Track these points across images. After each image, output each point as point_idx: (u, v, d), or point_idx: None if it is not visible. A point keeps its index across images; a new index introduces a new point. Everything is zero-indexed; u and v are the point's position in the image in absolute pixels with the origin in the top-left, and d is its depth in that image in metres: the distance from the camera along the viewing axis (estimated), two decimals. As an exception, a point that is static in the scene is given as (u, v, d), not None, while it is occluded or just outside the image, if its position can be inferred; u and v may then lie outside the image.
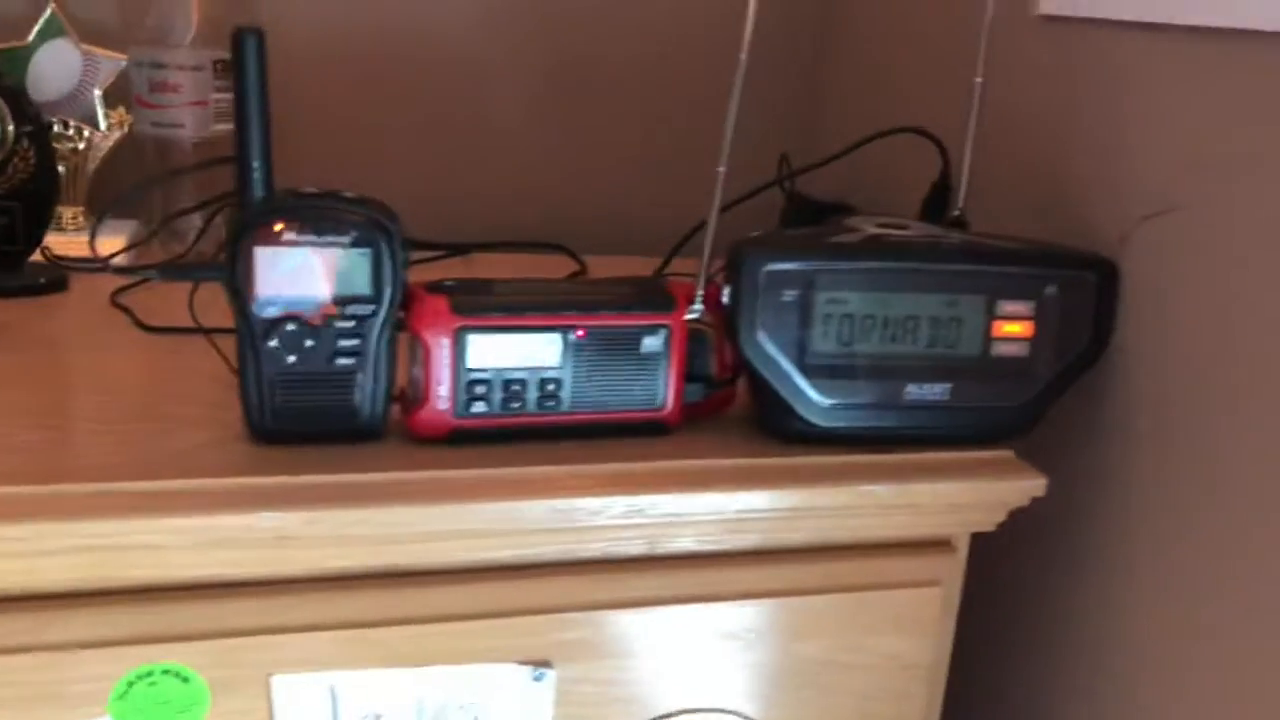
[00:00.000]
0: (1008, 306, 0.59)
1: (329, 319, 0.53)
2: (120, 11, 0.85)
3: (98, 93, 0.86)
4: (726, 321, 0.58)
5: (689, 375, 0.60)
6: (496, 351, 0.55)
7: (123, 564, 0.50)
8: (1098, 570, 0.67)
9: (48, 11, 0.85)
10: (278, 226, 0.51)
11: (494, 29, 1.03)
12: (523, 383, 0.56)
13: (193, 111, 0.85)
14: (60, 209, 0.90)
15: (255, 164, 0.51)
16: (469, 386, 0.55)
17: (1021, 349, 0.60)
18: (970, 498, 0.61)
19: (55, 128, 0.87)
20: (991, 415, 0.60)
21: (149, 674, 0.52)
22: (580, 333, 0.56)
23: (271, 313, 0.52)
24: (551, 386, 0.56)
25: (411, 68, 1.02)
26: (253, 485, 0.52)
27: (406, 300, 0.55)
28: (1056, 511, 0.67)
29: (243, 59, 0.50)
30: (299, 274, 0.52)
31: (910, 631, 0.62)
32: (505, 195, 1.06)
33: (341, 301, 0.53)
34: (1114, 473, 0.65)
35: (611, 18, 1.05)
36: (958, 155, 0.69)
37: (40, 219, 0.79)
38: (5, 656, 0.50)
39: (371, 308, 0.53)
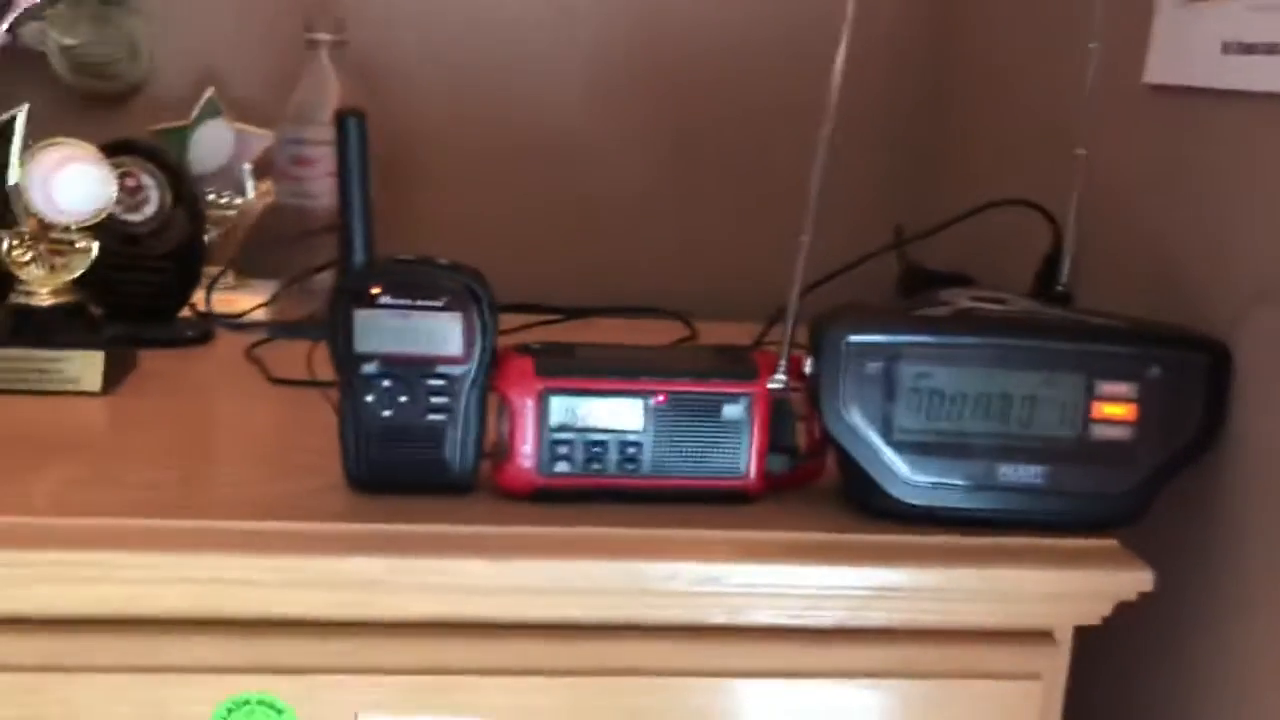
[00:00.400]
0: (1108, 387, 0.57)
1: (421, 377, 0.56)
2: (269, 92, 0.93)
3: (247, 166, 0.94)
4: (809, 393, 0.57)
5: (773, 446, 0.60)
6: (578, 413, 0.57)
7: (226, 597, 0.53)
8: (1211, 675, 0.62)
9: (207, 94, 0.93)
10: (375, 290, 0.55)
11: (606, 103, 1.07)
12: (604, 444, 0.57)
13: (327, 183, 0.91)
14: (211, 270, 0.97)
15: (356, 232, 0.55)
16: (552, 446, 0.57)
17: (1124, 433, 0.57)
18: (1069, 588, 0.58)
19: (210, 197, 0.94)
20: (1091, 502, 0.58)
21: (246, 702, 0.54)
22: (660, 398, 0.57)
23: (368, 370, 0.55)
24: (632, 450, 0.57)
25: (529, 142, 1.07)
26: (344, 531, 0.54)
27: (496, 361, 0.57)
28: (1168, 608, 0.64)
29: (345, 137, 0.54)
30: (394, 334, 0.55)
31: (1005, 725, 0.59)
32: (621, 263, 1.09)
33: (433, 361, 0.56)
34: (1230, 569, 0.61)
35: (723, 88, 1.07)
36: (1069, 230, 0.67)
37: (190, 278, 0.86)
38: (119, 675, 0.53)
39: (462, 367, 0.56)
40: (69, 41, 0.98)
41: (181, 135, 0.94)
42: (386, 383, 0.55)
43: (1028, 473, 0.57)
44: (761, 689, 0.57)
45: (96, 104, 1.01)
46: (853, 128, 1.08)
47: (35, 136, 0.72)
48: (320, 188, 0.91)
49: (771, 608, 0.57)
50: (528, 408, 0.56)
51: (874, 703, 0.58)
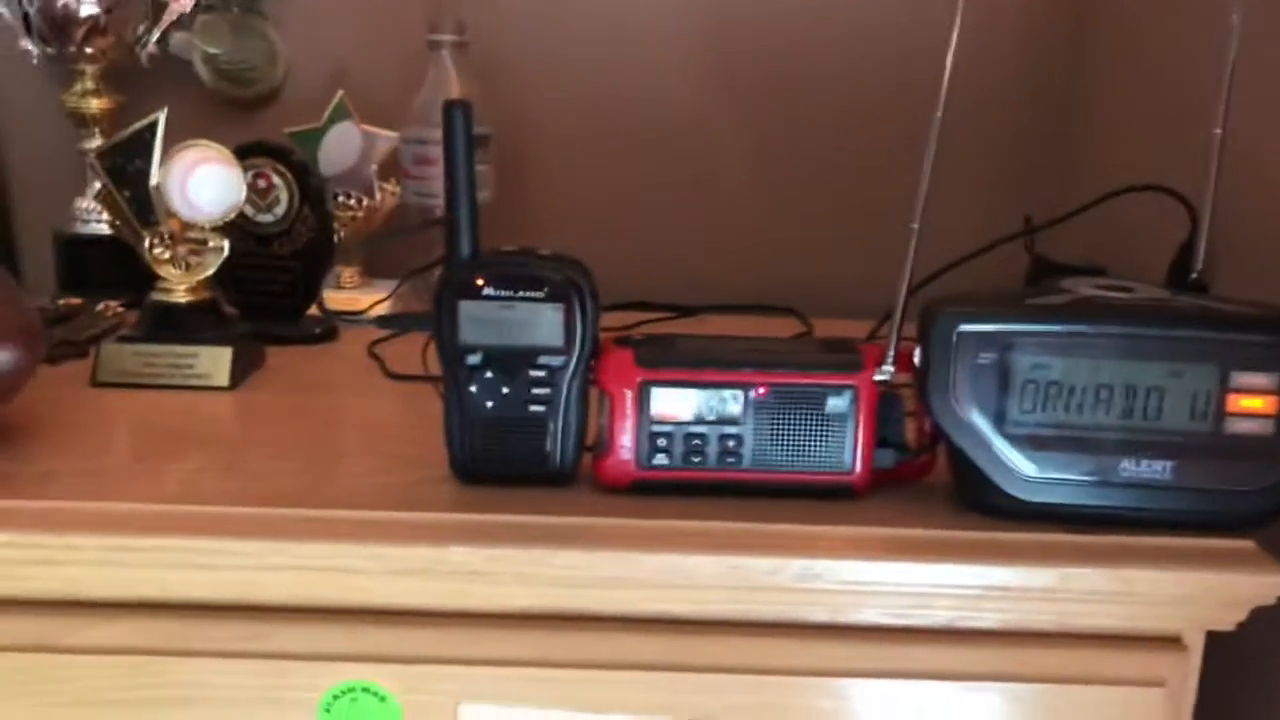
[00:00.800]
0: (1244, 378, 0.53)
1: (524, 368, 0.56)
2: (396, 94, 0.95)
3: (374, 167, 0.96)
4: (918, 385, 0.56)
5: (881, 440, 0.58)
6: (678, 405, 0.56)
7: (332, 585, 0.55)
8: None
9: (337, 97, 0.96)
10: (479, 281, 0.55)
11: (722, 100, 1.06)
12: (704, 437, 0.57)
13: (449, 181, 0.93)
14: (340, 269, 1.01)
15: (462, 225, 0.56)
16: (651, 438, 0.56)
17: (1262, 426, 0.53)
18: (1199, 590, 0.54)
19: (340, 198, 0.98)
20: (1224, 499, 0.54)
21: (351, 690, 0.56)
22: (762, 390, 0.56)
23: (473, 361, 0.56)
24: (733, 443, 0.57)
25: (645, 139, 1.07)
26: (445, 520, 0.55)
27: (597, 352, 0.57)
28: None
29: (452, 130, 0.54)
30: (498, 325, 0.56)
31: (1127, 735, 0.56)
32: (739, 259, 1.08)
33: (535, 352, 0.56)
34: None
35: (840, 81, 1.05)
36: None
37: (317, 277, 0.89)
38: (234, 660, 0.56)
39: (563, 359, 0.56)
40: (213, 50, 1.03)
41: (314, 137, 0.97)
42: (489, 374, 0.56)
43: (1154, 468, 0.54)
44: (866, 689, 0.56)
45: (237, 108, 1.06)
46: (983, 116, 1.06)
47: (180, 140, 0.76)
48: (440, 187, 0.93)
49: (877, 606, 0.56)
50: (627, 399, 0.56)
51: (984, 706, 0.56)
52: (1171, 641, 0.57)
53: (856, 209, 1.07)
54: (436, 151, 0.93)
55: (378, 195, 0.98)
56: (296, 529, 0.54)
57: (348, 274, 1.01)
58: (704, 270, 1.09)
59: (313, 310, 0.89)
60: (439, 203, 0.93)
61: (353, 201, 0.99)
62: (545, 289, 0.55)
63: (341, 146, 0.97)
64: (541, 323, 0.56)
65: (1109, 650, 0.56)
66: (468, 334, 0.56)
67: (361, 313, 0.87)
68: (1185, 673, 0.56)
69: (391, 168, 0.98)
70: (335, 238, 1.00)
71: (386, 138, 0.96)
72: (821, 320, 0.98)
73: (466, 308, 0.56)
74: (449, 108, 0.54)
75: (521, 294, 0.55)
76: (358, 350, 0.86)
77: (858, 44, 1.05)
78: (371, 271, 1.03)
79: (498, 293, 0.55)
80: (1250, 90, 0.65)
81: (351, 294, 0.99)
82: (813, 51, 1.05)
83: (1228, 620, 0.55)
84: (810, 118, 1.07)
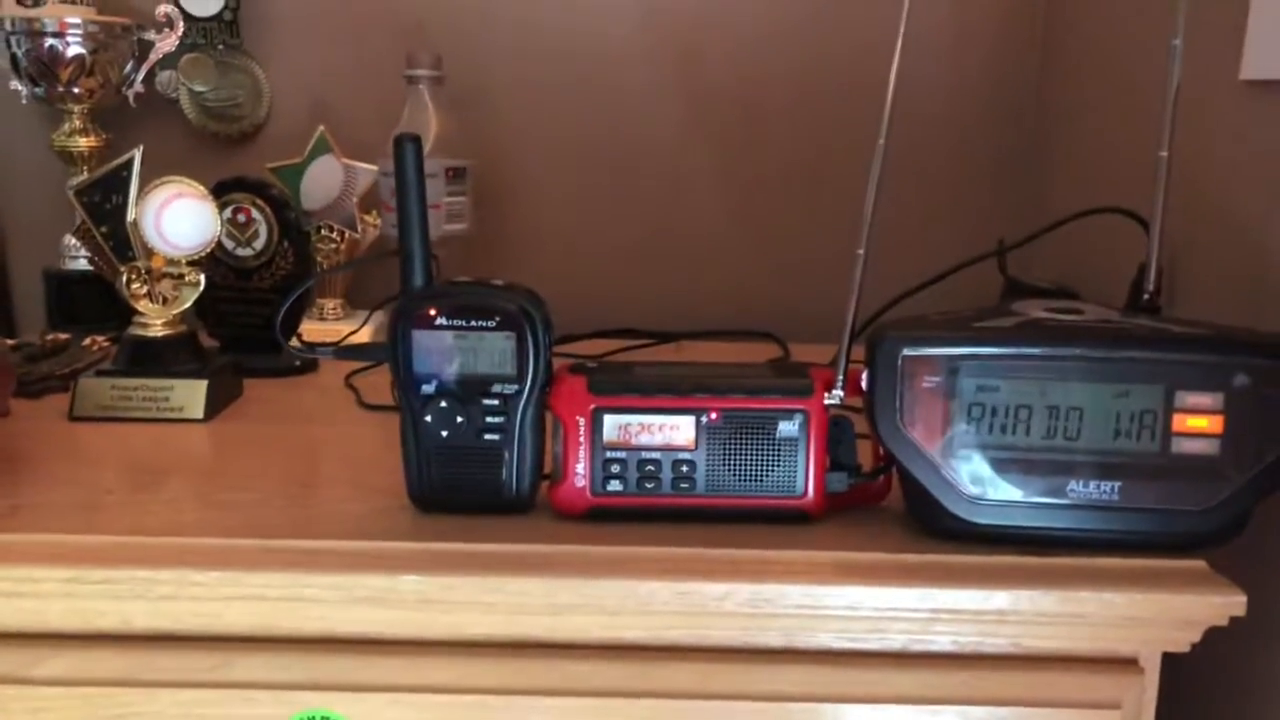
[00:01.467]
0: (1190, 399, 0.53)
1: (477, 397, 0.57)
2: (376, 129, 0.97)
3: (355, 200, 0.98)
4: (866, 408, 0.56)
5: (834, 463, 0.59)
6: (631, 431, 0.57)
7: (290, 615, 0.56)
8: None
9: (318, 132, 0.98)
10: (432, 311, 0.56)
11: (697, 127, 1.08)
12: (657, 463, 0.57)
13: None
14: (323, 301, 1.02)
15: (415, 255, 0.57)
16: (605, 465, 0.57)
17: (1209, 446, 0.53)
18: (1152, 612, 0.54)
19: (321, 231, 0.99)
20: (1173, 519, 0.54)
21: (311, 718, 0.57)
22: (714, 415, 0.57)
23: (427, 390, 0.57)
24: (686, 468, 0.57)
25: (622, 171, 1.08)
26: (402, 549, 0.56)
27: (551, 381, 0.58)
28: (1266, 634, 0.59)
29: (402, 162, 0.55)
30: (451, 355, 0.57)
31: (1083, 757, 0.56)
32: (718, 286, 1.09)
33: (489, 380, 0.57)
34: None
35: (816, 108, 1.06)
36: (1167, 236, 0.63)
37: (297, 310, 0.90)
38: (191, 690, 0.56)
39: (516, 387, 0.57)
40: (199, 88, 1.05)
41: (296, 172, 0.99)
42: (444, 403, 0.57)
43: (1102, 489, 0.54)
44: (821, 714, 0.56)
45: (222, 145, 1.08)
46: (962, 142, 1.06)
47: (164, 176, 0.78)
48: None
49: (830, 630, 0.56)
50: (580, 426, 0.57)
51: (940, 731, 0.56)
52: (1127, 663, 0.57)
53: (832, 234, 1.08)
54: (414, 184, 0.94)
55: (359, 228, 0.99)
56: (256, 559, 0.55)
57: (330, 305, 1.02)
58: (684, 297, 1.10)
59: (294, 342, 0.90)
60: (417, 234, 0.95)
61: (335, 235, 1.00)
62: (497, 318, 0.56)
63: (323, 180, 0.98)
64: (494, 351, 0.57)
65: (1064, 673, 0.56)
66: (421, 364, 0.57)
67: (326, 345, 0.88)
68: (1141, 694, 0.56)
69: (372, 200, 0.99)
70: (318, 269, 1.02)
71: (366, 171, 0.97)
72: (800, 345, 0.98)
73: (419, 337, 0.56)
74: (399, 141, 0.56)
75: (474, 323, 0.56)
76: (336, 381, 0.87)
77: (833, 72, 1.06)
78: (355, 303, 1.04)
79: (450, 322, 0.56)
80: (1206, 113, 0.66)
81: (334, 325, 1.00)
82: (786, 79, 1.06)
83: (1182, 641, 0.55)
84: (785, 145, 1.08)
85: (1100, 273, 0.87)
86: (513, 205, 1.09)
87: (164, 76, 1.05)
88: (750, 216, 1.10)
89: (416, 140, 0.56)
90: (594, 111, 1.07)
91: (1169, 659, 0.56)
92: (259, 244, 0.89)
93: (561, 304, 1.07)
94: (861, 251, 0.57)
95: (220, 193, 0.88)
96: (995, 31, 1.05)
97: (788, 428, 0.57)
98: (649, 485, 0.57)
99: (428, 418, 0.57)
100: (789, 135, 1.08)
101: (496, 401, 0.57)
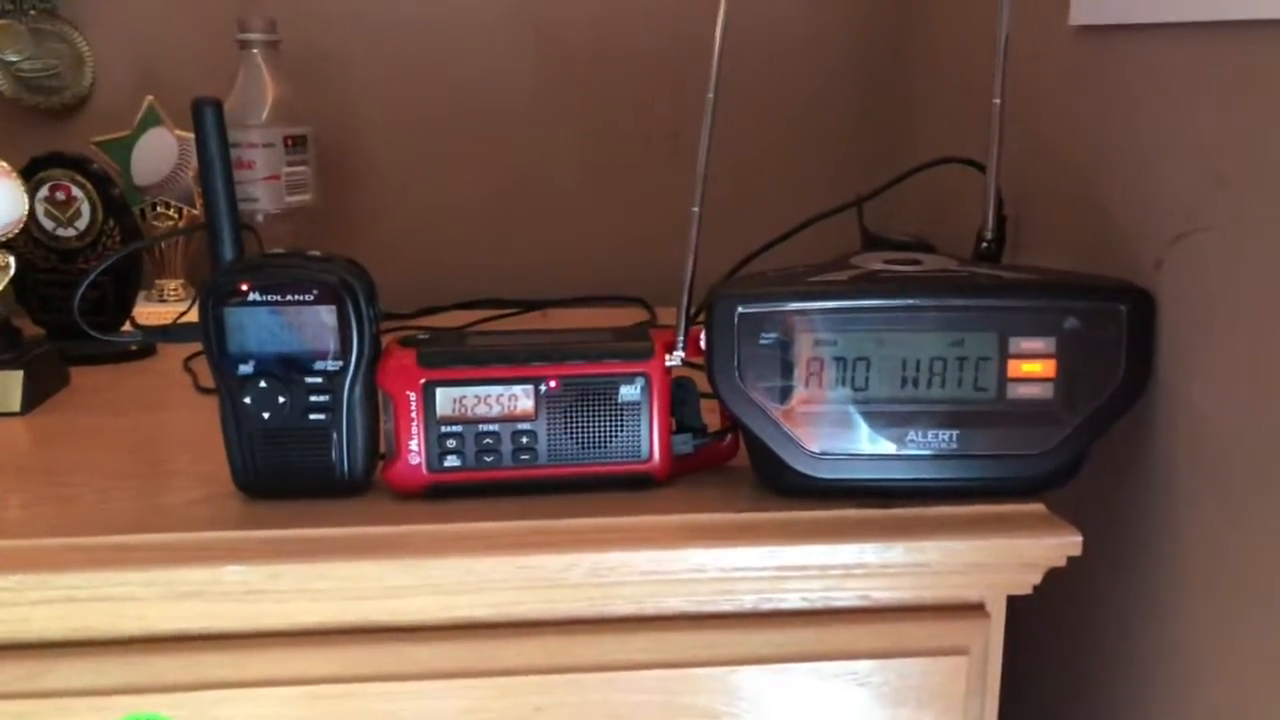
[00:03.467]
0: (1023, 344, 0.53)
1: (300, 376, 0.54)
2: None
3: (191, 174, 0.92)
4: (706, 368, 0.55)
5: (679, 426, 0.58)
6: (466, 404, 0.54)
7: (106, 615, 0.52)
8: (1149, 635, 0.59)
9: (146, 102, 0.92)
10: (243, 286, 0.53)
11: (550, 89, 1.05)
12: (496, 435, 0.55)
13: (267, 186, 0.90)
14: (162, 282, 0.97)
15: (223, 228, 0.53)
16: (440, 440, 0.55)
17: (1043, 390, 0.54)
18: (993, 557, 0.55)
19: (157, 208, 0.94)
20: (1011, 464, 0.54)
21: (141, 722, 0.53)
22: (553, 383, 0.55)
23: (244, 370, 0.54)
24: (526, 439, 0.55)
25: (475, 135, 1.05)
26: (222, 539, 0.53)
27: (378, 355, 0.55)
28: (1103, 570, 0.60)
29: (203, 129, 0.52)
30: (266, 332, 0.53)
31: (934, 705, 0.56)
32: (580, 252, 1.07)
33: (310, 357, 0.54)
34: (1163, 525, 0.57)
35: (673, 75, 1.04)
36: (1006, 184, 0.63)
37: (128, 292, 0.85)
38: (5, 702, 0.52)
39: (340, 363, 0.54)
40: (11, 57, 0.98)
41: (124, 146, 0.93)
42: (263, 383, 0.54)
43: (940, 438, 0.54)
44: (673, 680, 0.55)
45: (44, 118, 1.00)
46: (819, 96, 1.06)
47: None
48: (260, 190, 0.91)
49: (679, 594, 0.55)
50: (411, 401, 0.54)
51: (793, 687, 0.55)
52: (974, 609, 0.57)
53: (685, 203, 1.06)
54: (252, 155, 0.90)
55: (198, 203, 0.94)
56: (62, 559, 0.51)
57: (171, 286, 0.97)
58: (552, 265, 1.07)
59: (126, 326, 0.85)
60: (258, 207, 0.90)
61: (171, 211, 0.95)
62: (315, 291, 0.53)
63: (155, 154, 0.93)
64: (314, 326, 0.53)
65: (912, 622, 0.56)
66: (235, 342, 0.53)
67: (152, 329, 0.83)
68: (987, 640, 0.57)
69: (208, 173, 0.94)
70: (158, 251, 0.97)
71: (200, 142, 0.92)
72: (668, 309, 0.97)
73: (232, 315, 0.53)
74: (197, 105, 0.52)
75: (290, 297, 0.53)
76: (174, 366, 0.82)
77: (689, 40, 1.04)
78: (198, 284, 0.99)
79: (264, 298, 0.53)
80: (1041, 61, 0.66)
81: (176, 307, 0.95)
82: (640, 40, 1.04)
83: (1025, 584, 0.56)
84: (641, 108, 1.05)
85: (957, 224, 0.88)
86: (365, 174, 1.04)
87: (-27, 47, 0.97)
88: (610, 181, 1.07)
89: (217, 104, 0.52)
90: (443, 71, 1.03)
91: (1013, 602, 0.57)
92: (82, 224, 0.84)
93: (424, 275, 1.05)
94: (696, 209, 0.55)
95: (34, 170, 0.82)
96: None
97: (629, 392, 0.55)
98: (488, 459, 0.55)
99: (247, 399, 0.54)
100: (647, 91, 1.05)
101: (320, 379, 0.54)
